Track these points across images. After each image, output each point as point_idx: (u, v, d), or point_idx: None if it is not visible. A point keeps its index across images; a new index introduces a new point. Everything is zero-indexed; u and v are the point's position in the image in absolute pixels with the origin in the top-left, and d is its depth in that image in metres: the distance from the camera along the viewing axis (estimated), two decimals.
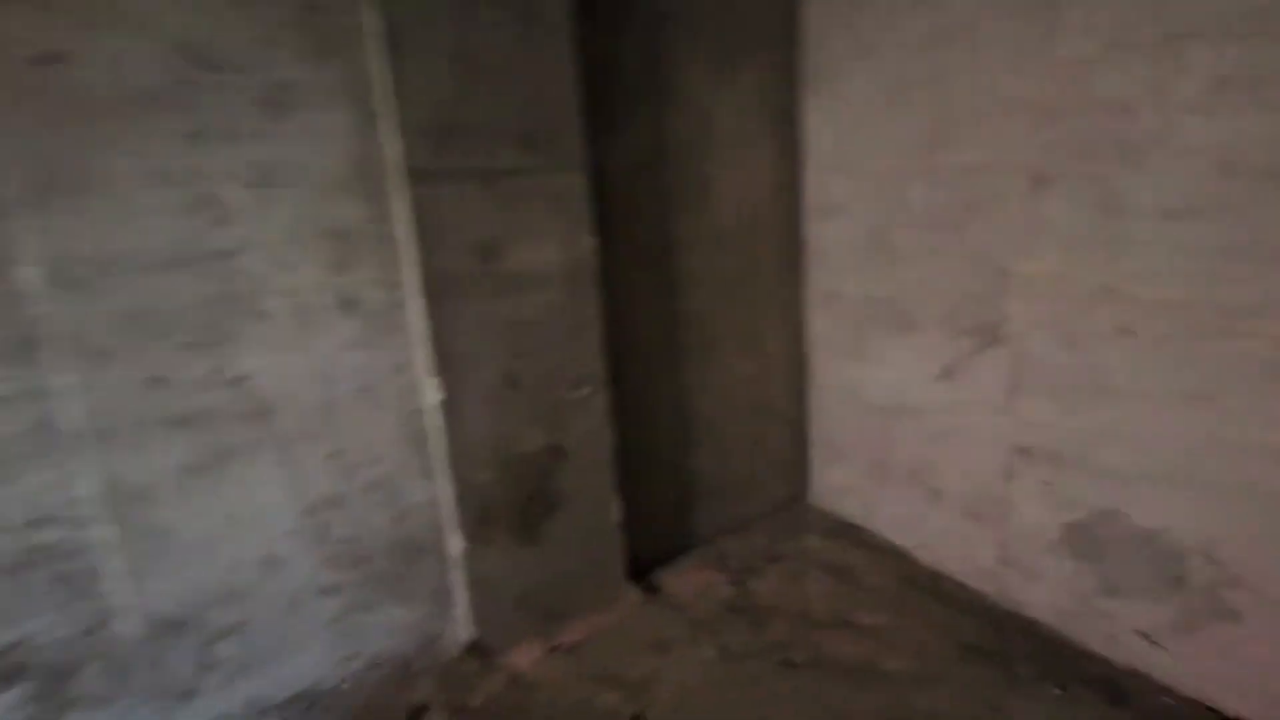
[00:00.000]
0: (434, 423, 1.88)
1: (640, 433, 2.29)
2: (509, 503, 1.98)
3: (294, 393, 1.73)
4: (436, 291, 1.78)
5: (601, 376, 2.08)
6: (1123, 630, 1.87)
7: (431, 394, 1.85)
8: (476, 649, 2.02)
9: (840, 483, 2.71)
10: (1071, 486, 1.91)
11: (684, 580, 2.36)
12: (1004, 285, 1.98)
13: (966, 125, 2.00)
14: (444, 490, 1.93)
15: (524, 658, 2.01)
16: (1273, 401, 1.52)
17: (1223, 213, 1.53)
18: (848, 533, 2.60)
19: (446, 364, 1.83)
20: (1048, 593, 2.03)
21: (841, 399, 2.61)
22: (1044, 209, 1.85)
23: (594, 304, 2.03)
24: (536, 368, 1.96)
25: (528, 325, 1.93)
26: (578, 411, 2.06)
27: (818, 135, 2.47)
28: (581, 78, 1.91)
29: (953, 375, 2.18)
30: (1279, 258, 1.47)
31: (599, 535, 2.18)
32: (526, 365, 1.94)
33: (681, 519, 2.52)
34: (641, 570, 2.36)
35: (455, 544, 1.95)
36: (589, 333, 2.04)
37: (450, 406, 1.85)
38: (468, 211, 1.78)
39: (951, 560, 2.30)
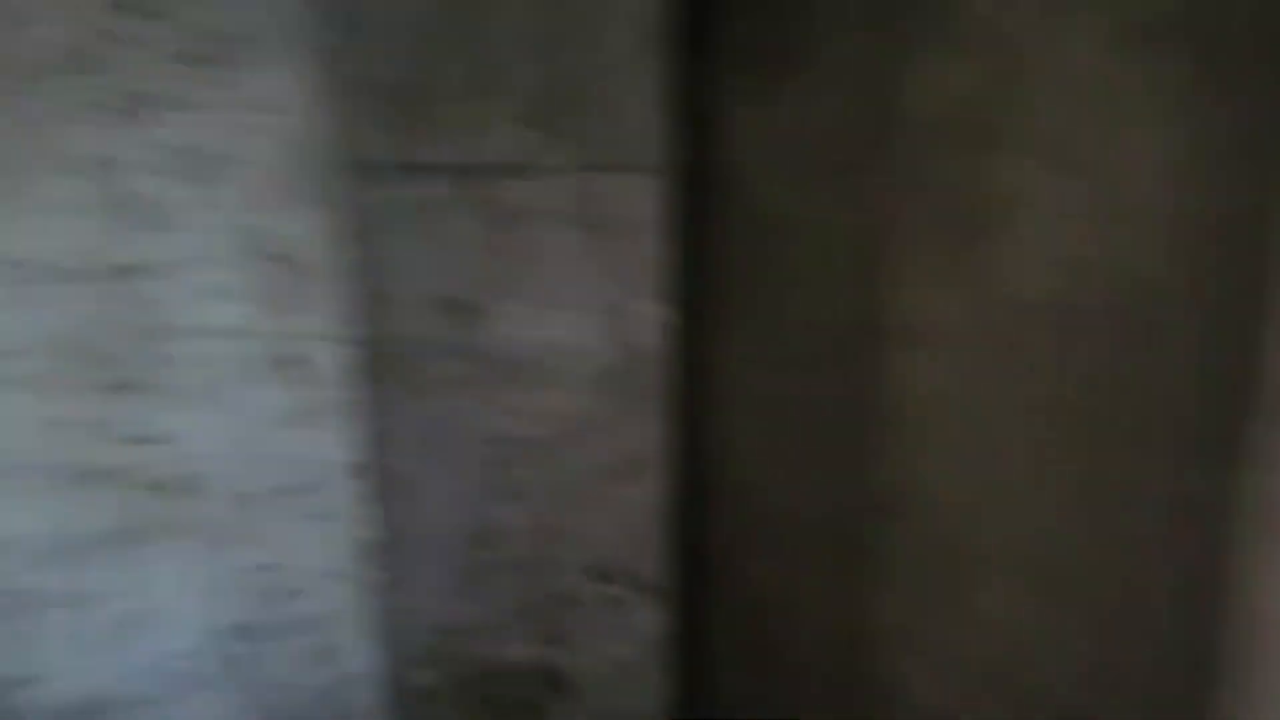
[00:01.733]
0: (363, 572, 1.18)
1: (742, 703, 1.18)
2: None
3: (215, 474, 1.23)
4: (377, 367, 1.07)
5: (656, 572, 1.08)
6: None
7: (360, 529, 1.15)
8: None
9: None
10: None
11: None
12: None
13: None
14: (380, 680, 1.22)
15: None
16: None
17: None
18: None
19: (384, 490, 1.10)
20: None
21: None
22: None
23: (656, 431, 1.05)
24: (531, 525, 1.08)
25: (523, 449, 1.06)
26: (598, 620, 1.10)
27: None
28: None
29: None
30: None
31: None
32: (514, 517, 1.08)
33: None
34: None
35: None
36: (643, 483, 1.06)
37: (384, 558, 1.12)
38: (434, 234, 1.02)
39: None
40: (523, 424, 1.05)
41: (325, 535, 1.22)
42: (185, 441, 1.22)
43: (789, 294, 1.08)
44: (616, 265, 0.99)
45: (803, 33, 1.01)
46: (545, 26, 0.94)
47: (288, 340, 1.17)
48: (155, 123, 1.12)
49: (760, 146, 1.03)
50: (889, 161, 0.99)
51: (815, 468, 1.11)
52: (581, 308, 1.01)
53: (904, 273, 1.03)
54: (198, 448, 1.22)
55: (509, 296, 1.02)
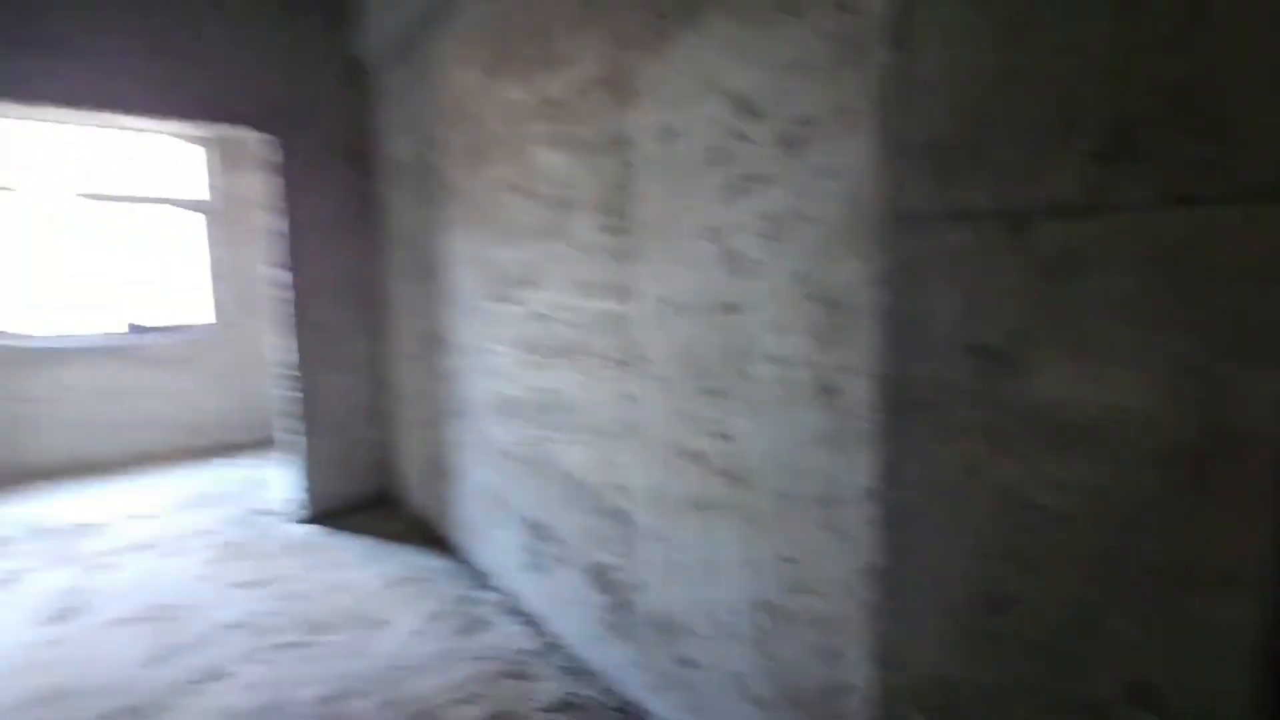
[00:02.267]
0: (868, 593, 1.24)
1: None
2: None
3: (763, 471, 1.51)
4: (901, 404, 1.13)
5: (1233, 715, 0.81)
6: None
7: (869, 552, 1.22)
8: None
9: None
10: None
11: None
12: None
13: None
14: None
15: None
16: None
17: None
18: None
19: (890, 521, 1.15)
20: None
21: None
22: None
23: (1255, 534, 0.78)
24: (1051, 606, 0.95)
25: (1048, 519, 0.95)
26: None
27: None
28: None
29: None
30: None
31: None
32: (1028, 591, 0.98)
33: None
34: None
35: None
36: (1226, 599, 0.81)
37: (886, 586, 1.17)
38: (973, 280, 1.01)
39: None
40: (1049, 491, 0.94)
41: (839, 547, 1.35)
42: (746, 441, 1.54)
43: None
44: (1201, 317, 0.78)
45: None
46: (1127, 40, 0.82)
47: (829, 371, 1.34)
48: (753, 195, 1.46)
49: None
50: None
51: None
52: (1145, 366, 0.83)
53: None
54: (753, 448, 1.52)
55: (1051, 348, 0.92)
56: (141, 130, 4.61)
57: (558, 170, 2.10)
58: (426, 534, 3.30)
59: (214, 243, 4.97)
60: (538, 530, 2.41)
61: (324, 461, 3.58)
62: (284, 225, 3.41)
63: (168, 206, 4.79)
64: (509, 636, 2.37)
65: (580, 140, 1.98)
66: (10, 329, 4.35)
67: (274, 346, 5.14)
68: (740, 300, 1.51)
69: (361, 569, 2.92)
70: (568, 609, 2.27)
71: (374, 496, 3.74)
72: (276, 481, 4.11)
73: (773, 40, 1.38)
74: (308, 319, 3.49)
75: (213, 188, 4.93)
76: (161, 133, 4.72)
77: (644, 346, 1.81)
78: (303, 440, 3.52)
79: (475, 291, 2.70)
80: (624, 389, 1.90)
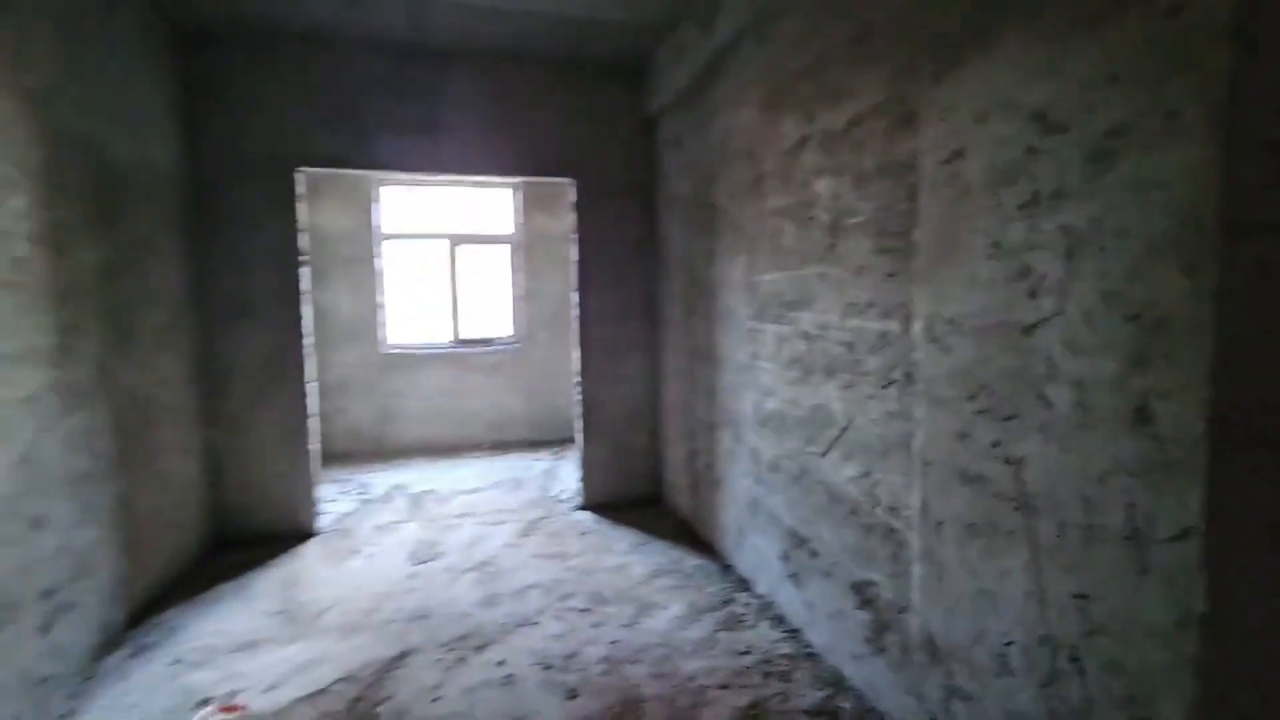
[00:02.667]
0: (1190, 646, 1.12)
1: None
2: None
3: (1056, 499, 1.44)
4: (1222, 440, 1.03)
5: None
6: None
7: (1187, 598, 1.10)
8: None
9: None
10: None
11: None
12: None
13: None
14: None
15: None
16: None
17: None
18: None
19: (1216, 600, 1.05)
20: None
21: None
22: None
23: None
24: None
25: None
26: None
27: None
28: None
29: None
30: None
31: None
32: None
33: None
34: None
35: None
36: None
37: (1215, 640, 1.06)
38: None
39: None
40: None
41: (1149, 589, 1.23)
42: (1036, 466, 1.48)
43: None
44: None
45: None
46: None
47: (1141, 396, 1.24)
48: (1052, 212, 1.41)
49: None
50: None
51: None
52: None
53: None
54: (1045, 474, 1.46)
55: None
56: (475, 184, 5.80)
57: (833, 197, 2.21)
58: (689, 534, 3.59)
59: (516, 270, 5.99)
60: (798, 541, 2.50)
61: (600, 461, 4.10)
62: (577, 254, 4.03)
63: (484, 243, 5.93)
64: (767, 638, 2.49)
65: (858, 168, 2.07)
66: (394, 340, 5.75)
67: (565, 360, 6.01)
68: (1035, 320, 1.46)
69: (632, 556, 3.30)
70: (827, 621, 2.33)
71: (643, 496, 4.17)
72: (565, 474, 4.79)
73: (1079, 52, 1.34)
74: (592, 336, 4.06)
75: (516, 225, 5.96)
76: (487, 185, 5.87)
77: (920, 366, 1.83)
78: (582, 441, 4.08)
79: (745, 313, 2.91)
80: (895, 408, 1.93)
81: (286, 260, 3.57)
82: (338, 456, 5.38)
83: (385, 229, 5.69)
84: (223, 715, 1.95)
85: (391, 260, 5.77)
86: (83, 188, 2.44)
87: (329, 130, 3.59)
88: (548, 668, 2.32)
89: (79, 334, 2.37)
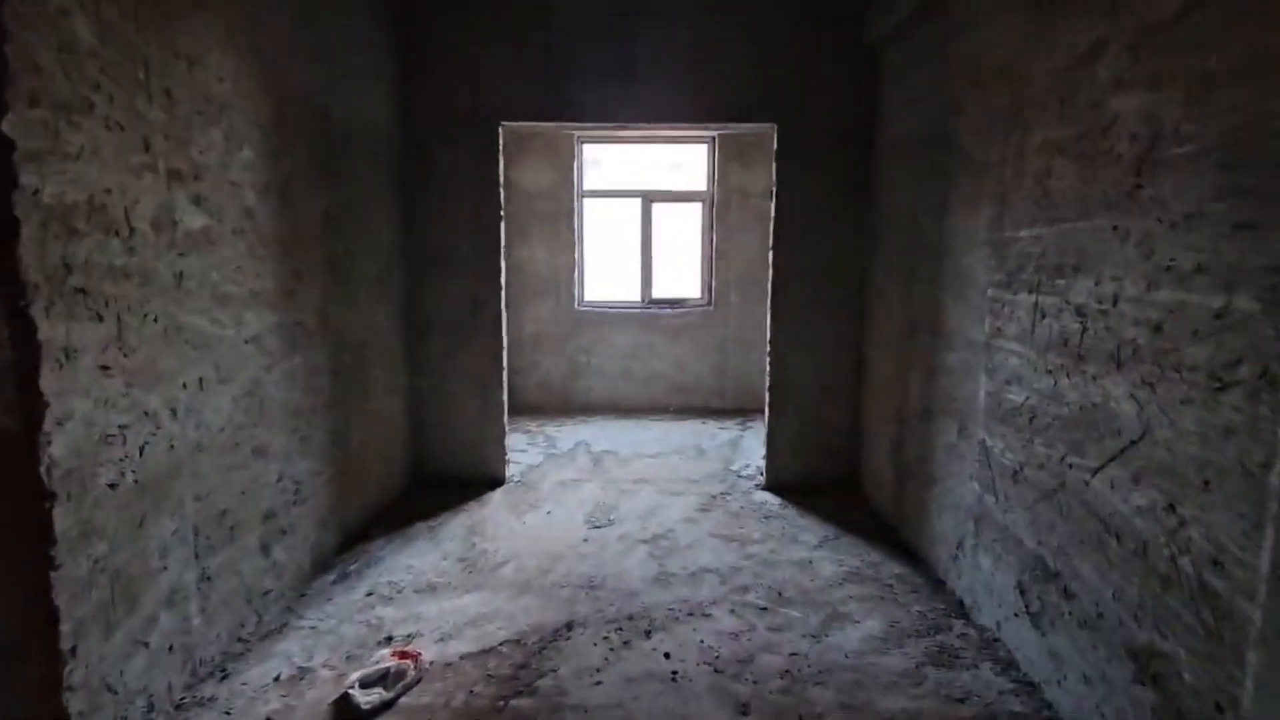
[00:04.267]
0: None
1: None
2: None
3: None
4: None
5: None
6: None
7: None
8: None
9: None
10: None
11: None
12: None
13: None
14: None
15: None
16: None
17: None
18: None
19: None
20: None
21: None
22: None
23: None
24: None
25: None
26: None
27: None
28: None
29: None
30: None
31: None
32: None
33: None
34: None
35: None
36: None
37: None
38: None
39: None
40: None
41: None
42: None
43: None
44: None
45: None
46: None
47: None
48: None
49: None
50: None
51: None
52: None
53: None
54: None
55: None
56: (670, 138, 5.55)
57: (1145, 120, 1.59)
58: (889, 534, 3.11)
59: (708, 229, 5.68)
60: (1045, 573, 1.96)
61: (789, 437, 3.72)
62: (774, 208, 3.61)
63: (678, 201, 5.67)
64: (991, 686, 2.00)
65: (1198, 70, 1.44)
66: (588, 298, 5.81)
67: (756, 325, 5.65)
68: None
69: (821, 552, 2.92)
70: (1081, 684, 1.79)
71: (835, 480, 3.73)
72: (750, 448, 4.49)
73: None
74: (788, 298, 3.64)
75: (710, 181, 5.62)
76: (683, 140, 5.60)
77: None
78: (769, 414, 3.72)
79: (987, 279, 2.33)
80: (1235, 420, 1.33)
81: (487, 215, 3.62)
82: (528, 409, 5.60)
83: (584, 185, 5.70)
84: (398, 660, 1.99)
85: (587, 218, 5.79)
86: (308, 144, 2.58)
87: (528, 83, 3.54)
88: (718, 671, 2.07)
89: (302, 280, 2.54)
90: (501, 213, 3.65)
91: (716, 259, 5.66)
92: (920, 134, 2.92)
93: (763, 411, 5.59)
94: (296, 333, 2.50)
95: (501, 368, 3.71)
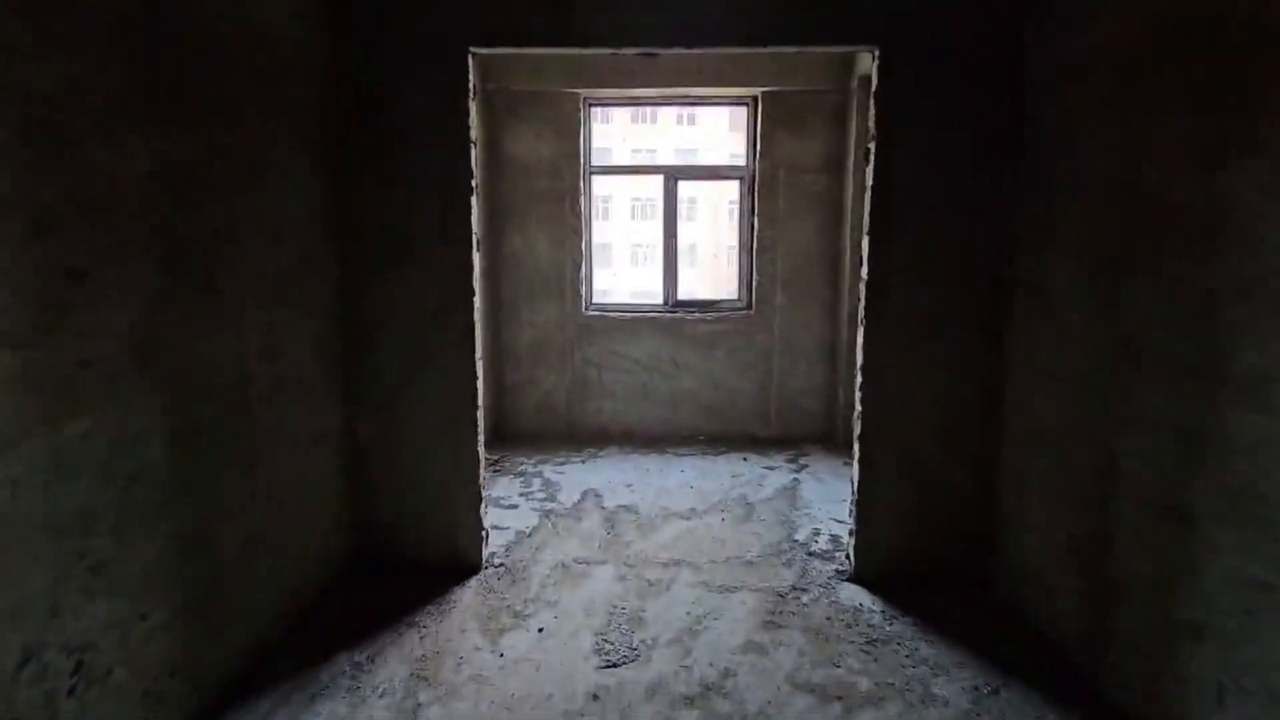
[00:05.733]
0: None
1: None
2: None
3: None
4: None
5: None
6: None
7: None
8: None
9: None
10: None
11: None
12: None
13: None
14: None
15: None
16: None
17: None
18: None
19: None
20: None
21: None
22: None
23: None
24: None
25: None
26: None
27: None
28: None
29: None
30: None
31: None
32: None
33: None
34: None
35: None
36: None
37: None
38: None
39: None
40: None
41: None
42: None
43: None
44: None
45: None
46: None
47: None
48: None
49: None
50: None
51: None
52: None
53: None
54: None
55: None
56: (700, 99, 4.36)
57: None
58: (1071, 679, 1.97)
59: (747, 214, 4.53)
60: None
61: (888, 500, 2.58)
62: (875, 178, 2.47)
63: (709, 179, 4.52)
64: None
65: None
66: (598, 299, 4.68)
67: (808, 331, 4.50)
68: None
69: (974, 713, 1.79)
70: None
71: (952, 567, 2.59)
72: (814, 500, 3.36)
73: None
74: (882, 303, 2.50)
75: (750, 154, 4.46)
76: (716, 102, 4.44)
77: None
78: (859, 468, 2.59)
79: None
80: None
81: (455, 184, 2.51)
82: (525, 437, 4.48)
83: (592, 161, 4.56)
84: None
85: (597, 200, 4.64)
86: (117, 45, 1.47)
87: None
88: None
89: (86, 285, 1.43)
90: (474, 181, 2.52)
91: (758, 251, 4.51)
92: (1153, 36, 1.77)
93: (817, 441, 4.45)
94: (75, 381, 1.39)
95: (476, 401, 2.59)
